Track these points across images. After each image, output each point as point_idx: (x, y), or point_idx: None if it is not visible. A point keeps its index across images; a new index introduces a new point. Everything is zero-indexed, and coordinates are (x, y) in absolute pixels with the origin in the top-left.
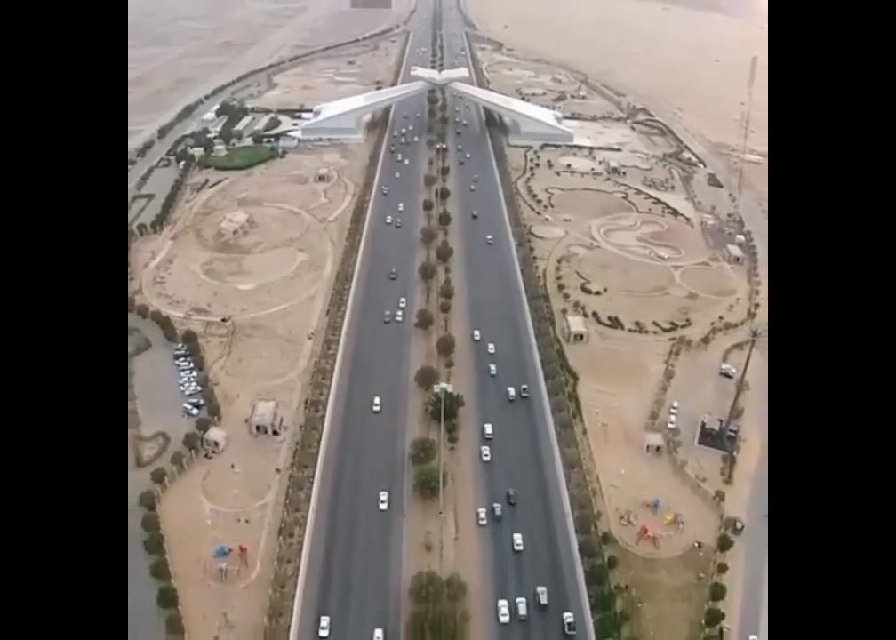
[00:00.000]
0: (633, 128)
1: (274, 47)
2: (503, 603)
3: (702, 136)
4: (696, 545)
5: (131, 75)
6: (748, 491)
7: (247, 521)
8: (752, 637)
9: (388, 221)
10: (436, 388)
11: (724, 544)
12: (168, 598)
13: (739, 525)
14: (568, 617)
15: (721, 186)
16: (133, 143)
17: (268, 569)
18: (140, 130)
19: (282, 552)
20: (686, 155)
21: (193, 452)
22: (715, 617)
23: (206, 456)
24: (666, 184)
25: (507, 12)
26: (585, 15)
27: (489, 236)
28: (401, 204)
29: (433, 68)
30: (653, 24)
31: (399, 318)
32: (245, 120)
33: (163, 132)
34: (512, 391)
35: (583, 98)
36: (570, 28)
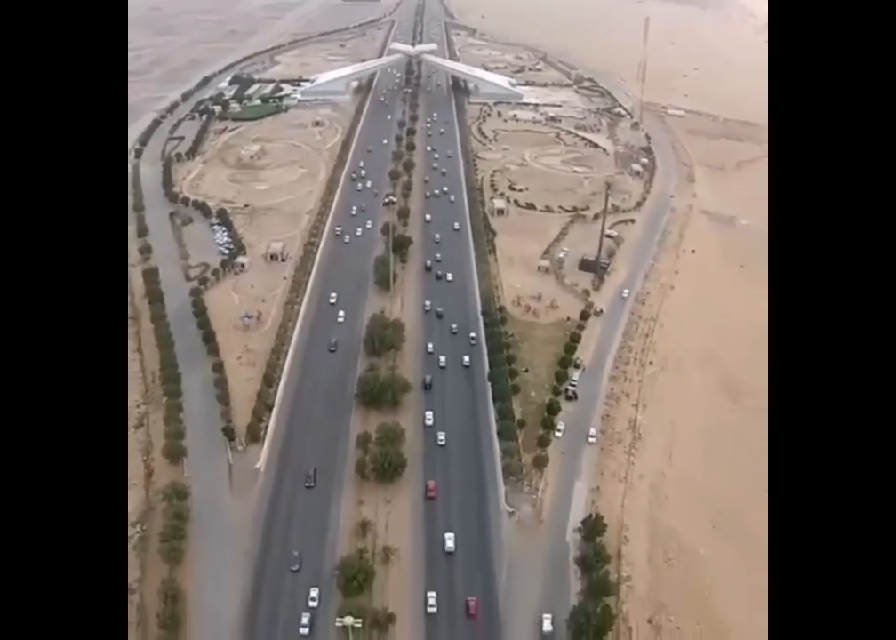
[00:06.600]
0: (577, 91)
1: (274, 34)
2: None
3: (636, 97)
4: (566, 318)
5: (149, 57)
6: (611, 294)
7: (263, 300)
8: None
9: (370, 149)
10: (385, 199)
11: (585, 316)
12: (209, 337)
13: (598, 310)
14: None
15: (641, 130)
16: (161, 104)
17: (276, 324)
18: (165, 96)
19: (286, 315)
20: (618, 110)
21: (225, 269)
22: (572, 348)
23: (235, 273)
24: (594, 128)
25: (486, 5)
26: (560, 7)
27: (444, 155)
28: (382, 139)
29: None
30: (623, 14)
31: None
32: (254, 87)
33: (185, 97)
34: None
35: (539, 70)
36: (542, 18)
